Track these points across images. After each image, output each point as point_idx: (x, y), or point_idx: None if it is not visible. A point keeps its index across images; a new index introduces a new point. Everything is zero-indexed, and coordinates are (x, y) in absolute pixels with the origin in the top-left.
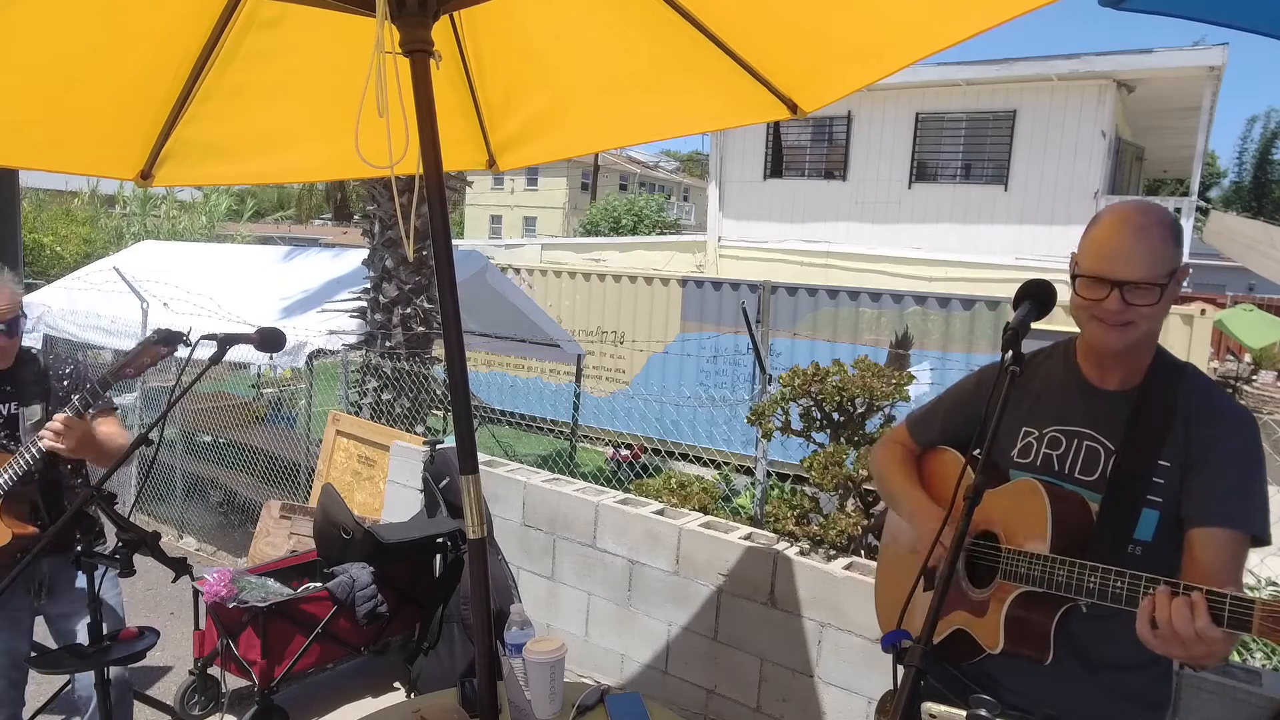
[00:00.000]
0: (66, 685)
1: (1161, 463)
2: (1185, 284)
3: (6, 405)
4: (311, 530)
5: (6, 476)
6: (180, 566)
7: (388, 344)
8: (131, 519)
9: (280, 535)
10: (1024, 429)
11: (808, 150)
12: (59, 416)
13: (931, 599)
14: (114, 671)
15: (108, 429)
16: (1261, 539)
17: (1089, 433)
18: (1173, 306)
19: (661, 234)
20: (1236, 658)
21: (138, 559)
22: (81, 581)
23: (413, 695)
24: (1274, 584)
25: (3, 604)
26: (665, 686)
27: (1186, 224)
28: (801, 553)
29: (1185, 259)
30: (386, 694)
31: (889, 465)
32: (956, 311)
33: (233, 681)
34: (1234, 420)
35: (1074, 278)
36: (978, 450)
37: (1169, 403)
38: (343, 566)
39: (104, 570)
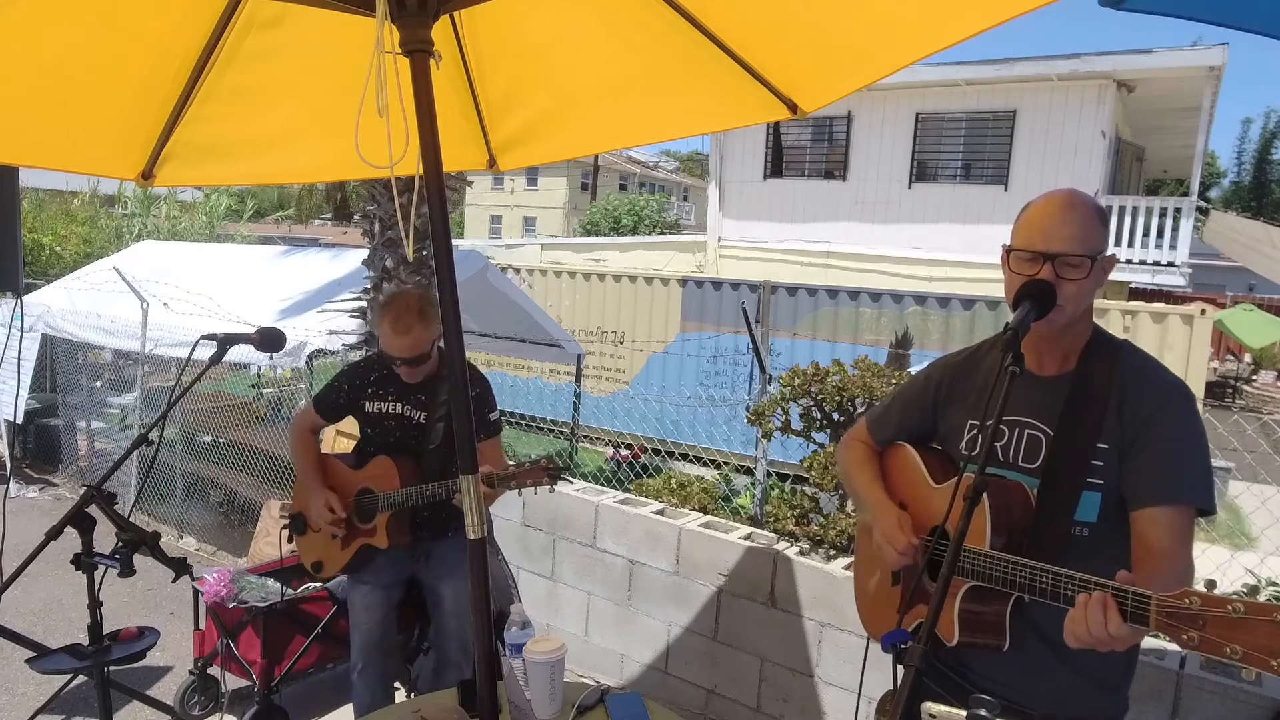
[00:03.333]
0: (66, 685)
1: (1099, 445)
2: (1187, 284)
3: (418, 413)
4: None
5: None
6: (180, 566)
7: None
8: (131, 519)
9: (280, 535)
10: (970, 422)
11: (808, 150)
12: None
13: (921, 590)
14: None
15: (492, 453)
16: (1207, 510)
17: (1030, 421)
18: (1172, 307)
19: (661, 234)
20: None
21: (138, 559)
22: (453, 550)
23: (413, 695)
24: (1274, 584)
25: (386, 568)
26: (665, 686)
27: (1186, 224)
28: (801, 553)
29: (1110, 250)
30: None
31: (852, 465)
32: (956, 311)
33: (233, 681)
34: (1168, 396)
35: (1007, 257)
36: (934, 443)
37: (1104, 384)
38: None
39: (104, 571)
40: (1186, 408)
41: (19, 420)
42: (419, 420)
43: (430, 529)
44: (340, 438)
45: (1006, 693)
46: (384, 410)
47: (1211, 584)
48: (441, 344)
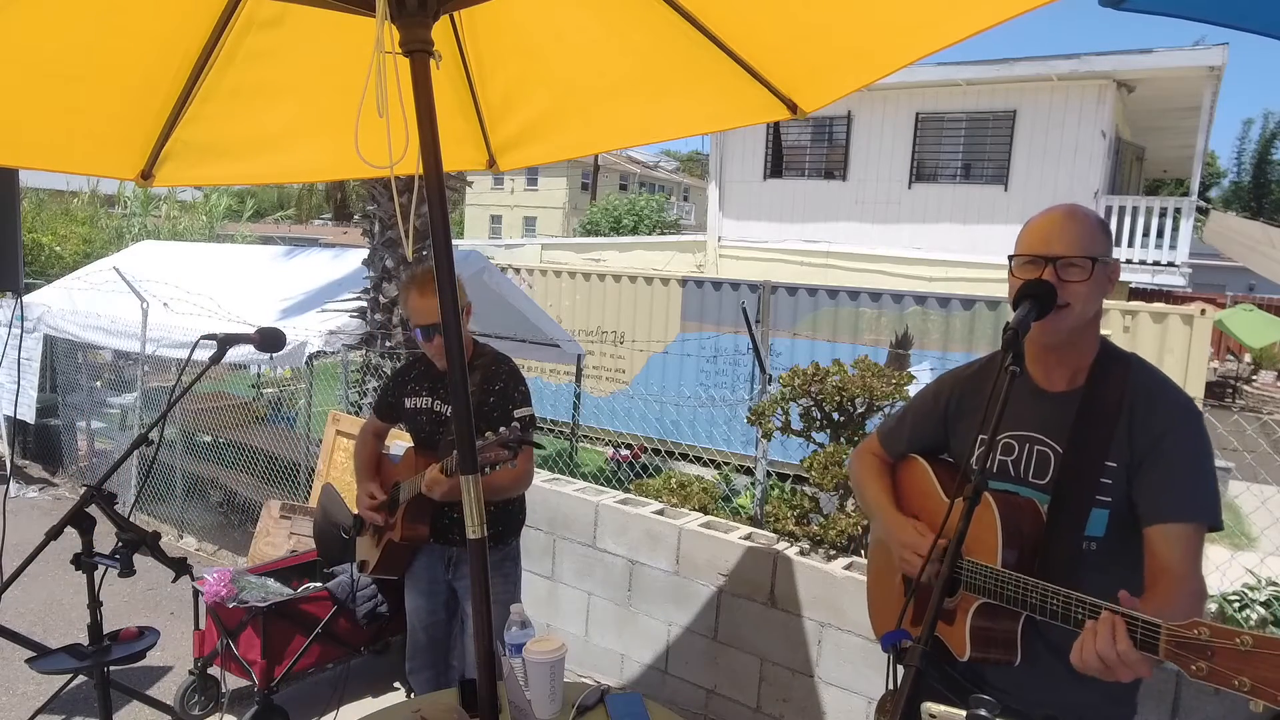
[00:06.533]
0: (66, 685)
1: (1109, 463)
2: (1187, 284)
3: (445, 407)
4: (311, 530)
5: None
6: (180, 566)
7: (388, 344)
8: (131, 519)
9: (280, 535)
10: (980, 437)
11: (808, 150)
12: (430, 471)
13: (931, 599)
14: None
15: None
16: (1215, 526)
17: (1039, 437)
18: (1172, 307)
19: (661, 234)
20: None
21: (138, 559)
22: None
23: (413, 695)
24: (1274, 584)
25: (421, 574)
26: (665, 686)
27: (1186, 224)
28: (801, 553)
29: (1116, 256)
30: (386, 694)
31: (865, 478)
32: (956, 311)
33: (233, 681)
34: (1178, 415)
35: (1011, 265)
36: (947, 456)
37: (1113, 402)
38: (343, 566)
39: (104, 571)
40: (1196, 426)
41: (31, 420)
42: (446, 415)
43: (460, 532)
44: (341, 438)
45: (1022, 705)
46: (418, 405)
47: (1219, 614)
48: (477, 338)
